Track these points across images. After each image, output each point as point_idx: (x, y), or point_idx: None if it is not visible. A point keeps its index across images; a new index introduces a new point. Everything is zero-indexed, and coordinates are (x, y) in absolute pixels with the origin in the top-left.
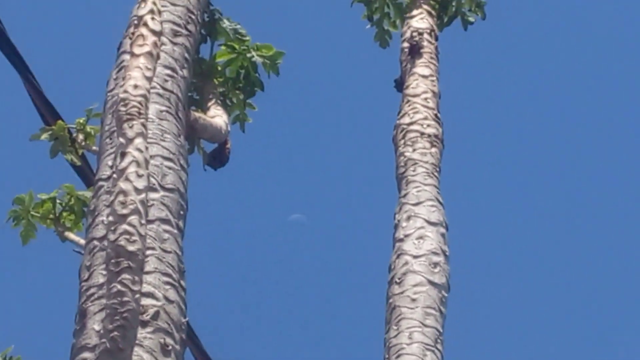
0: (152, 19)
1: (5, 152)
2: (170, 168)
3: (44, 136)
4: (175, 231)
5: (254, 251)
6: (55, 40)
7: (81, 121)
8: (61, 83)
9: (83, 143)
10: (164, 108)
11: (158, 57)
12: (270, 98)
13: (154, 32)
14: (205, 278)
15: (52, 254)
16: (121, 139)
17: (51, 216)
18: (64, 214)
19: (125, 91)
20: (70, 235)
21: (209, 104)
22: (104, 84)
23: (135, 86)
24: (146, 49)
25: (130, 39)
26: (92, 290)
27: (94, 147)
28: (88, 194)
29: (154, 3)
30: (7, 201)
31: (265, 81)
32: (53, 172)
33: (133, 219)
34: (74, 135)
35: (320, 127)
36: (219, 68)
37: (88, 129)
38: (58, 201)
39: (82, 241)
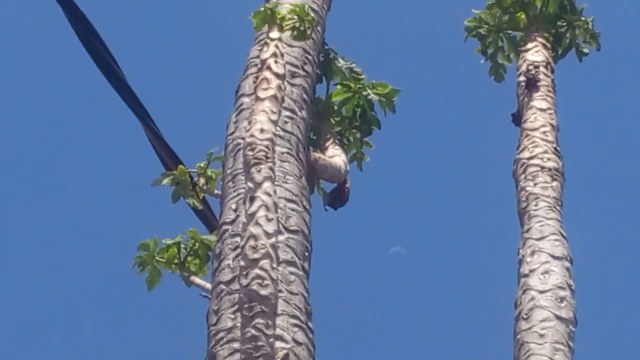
0: (276, 62)
1: (128, 198)
2: (293, 210)
3: (166, 181)
4: (301, 273)
5: (370, 287)
6: (173, 86)
7: (202, 165)
8: (181, 127)
9: (205, 187)
10: (285, 150)
11: (282, 100)
12: (387, 135)
13: (277, 75)
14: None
15: (178, 299)
16: (249, 184)
17: (176, 261)
18: (189, 258)
19: (252, 135)
20: (196, 280)
21: (327, 143)
22: (223, 128)
23: (262, 130)
24: (271, 92)
25: (254, 82)
26: (221, 334)
27: (215, 191)
28: (212, 237)
29: (277, 46)
30: (133, 247)
31: (382, 119)
32: (175, 217)
33: (264, 263)
34: (195, 179)
35: (437, 163)
36: (335, 107)
37: (209, 172)
38: (182, 246)
39: (208, 285)
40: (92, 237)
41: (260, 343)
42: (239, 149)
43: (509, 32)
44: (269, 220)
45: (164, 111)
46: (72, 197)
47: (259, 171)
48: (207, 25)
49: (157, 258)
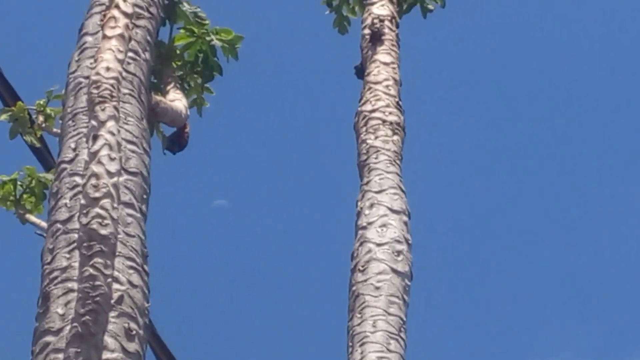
0: (124, 1)
1: None
2: (133, 152)
3: (4, 117)
4: (139, 215)
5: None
6: (14, 21)
7: (41, 102)
8: (21, 64)
9: (43, 125)
10: (126, 91)
11: (130, 39)
12: (229, 83)
13: (125, 14)
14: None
15: (12, 236)
16: (93, 122)
17: (12, 198)
18: (25, 196)
19: (97, 73)
20: (31, 218)
21: (168, 87)
22: (64, 66)
23: (108, 68)
24: (118, 31)
25: (102, 20)
26: (56, 273)
27: (54, 129)
28: (49, 176)
29: None
30: None
31: (224, 65)
32: (12, 154)
33: (105, 202)
34: (34, 116)
35: (279, 113)
36: (178, 51)
37: (48, 110)
38: (19, 183)
39: (44, 224)
40: None
41: (98, 282)
42: (81, 88)
43: None
44: (112, 159)
45: (3, 46)
46: None
47: (103, 110)
48: None
49: None
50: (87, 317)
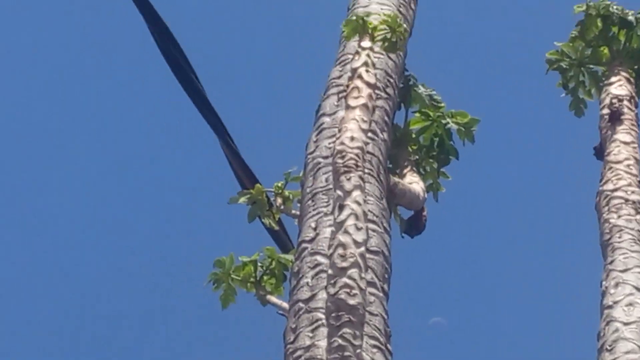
0: (367, 71)
1: (204, 215)
2: (374, 231)
3: (242, 200)
4: (381, 294)
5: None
6: (252, 105)
7: (279, 185)
8: (259, 147)
9: (281, 207)
10: (366, 170)
11: (373, 110)
12: (464, 166)
13: (368, 84)
14: None
15: (251, 318)
16: (338, 192)
17: (252, 279)
18: (265, 277)
19: (342, 143)
20: (272, 299)
21: (405, 170)
22: (301, 148)
23: (352, 138)
24: (361, 101)
25: (345, 90)
26: (299, 352)
27: (292, 211)
28: (289, 257)
29: (368, 55)
30: (208, 264)
31: (460, 149)
32: (250, 237)
33: (353, 272)
34: (272, 199)
35: (516, 196)
36: (413, 135)
37: (286, 192)
38: (259, 264)
39: (285, 304)
40: (167, 253)
41: (347, 353)
42: (319, 168)
43: (591, 66)
44: (358, 229)
45: (242, 129)
46: (149, 213)
47: (348, 179)
48: (288, 44)
49: (232, 276)
50: None
